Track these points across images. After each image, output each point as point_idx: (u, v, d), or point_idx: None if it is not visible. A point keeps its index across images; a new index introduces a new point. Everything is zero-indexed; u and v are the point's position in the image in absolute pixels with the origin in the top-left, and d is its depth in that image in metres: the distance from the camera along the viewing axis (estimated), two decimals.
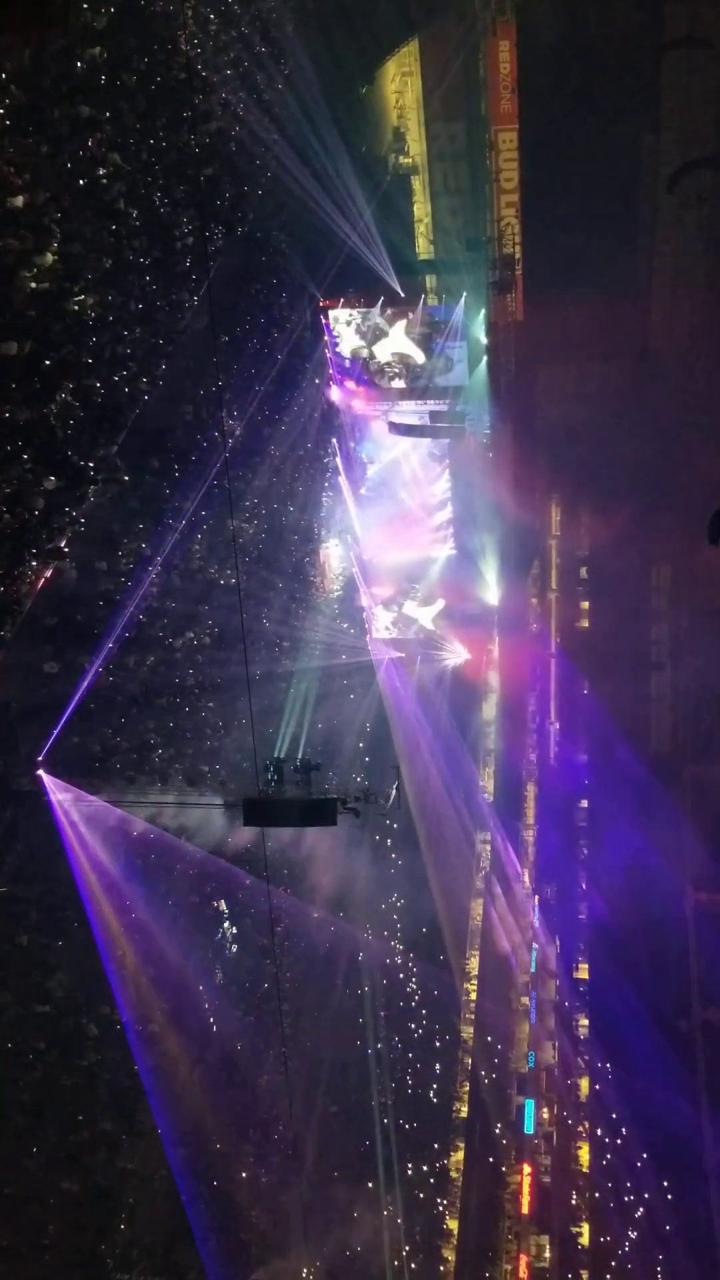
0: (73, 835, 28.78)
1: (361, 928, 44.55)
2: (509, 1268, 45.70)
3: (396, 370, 39.91)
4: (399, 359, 39.62)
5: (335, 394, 41.43)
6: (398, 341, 39.22)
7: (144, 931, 32.01)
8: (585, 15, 47.84)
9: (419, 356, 39.49)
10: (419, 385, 40.41)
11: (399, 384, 40.29)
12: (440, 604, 47.96)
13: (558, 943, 54.76)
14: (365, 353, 39.63)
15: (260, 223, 33.73)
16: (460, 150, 45.29)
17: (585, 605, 59.87)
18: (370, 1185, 40.88)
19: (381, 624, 47.75)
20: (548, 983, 53.88)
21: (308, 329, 39.06)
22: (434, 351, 39.59)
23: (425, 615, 48.27)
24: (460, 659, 50.95)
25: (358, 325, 39.11)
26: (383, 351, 39.68)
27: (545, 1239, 46.63)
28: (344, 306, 38.63)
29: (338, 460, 43.35)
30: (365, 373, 40.35)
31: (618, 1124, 49.71)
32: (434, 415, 41.62)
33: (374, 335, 39.35)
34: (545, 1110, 50.03)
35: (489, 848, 53.39)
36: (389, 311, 38.62)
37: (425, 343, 39.49)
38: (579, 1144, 49.58)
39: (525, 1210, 46.99)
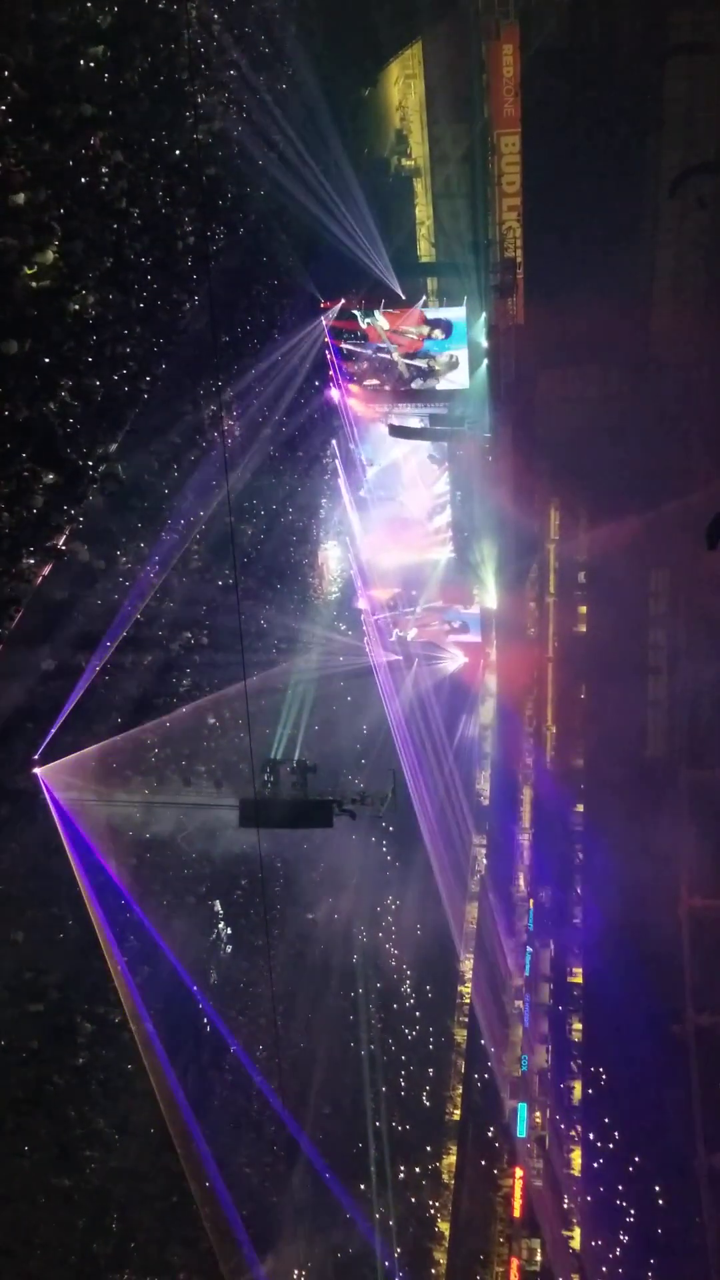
0: (68, 834, 28.79)
1: (356, 929, 44.54)
2: (500, 1270, 45.70)
3: (421, 366, 39.93)
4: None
5: (335, 395, 41.45)
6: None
7: (138, 931, 32.02)
8: (589, 20, 47.91)
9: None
10: (426, 383, 40.48)
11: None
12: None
13: (552, 946, 54.77)
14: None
15: (262, 223, 33.76)
16: (462, 153, 45.32)
17: (583, 610, 59.90)
18: (362, 1187, 40.86)
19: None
20: (542, 986, 53.92)
21: (308, 331, 39.07)
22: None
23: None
24: (458, 662, 51.00)
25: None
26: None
27: (536, 1243, 46.62)
28: (344, 308, 38.65)
29: (337, 462, 43.37)
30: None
31: (610, 1128, 49.74)
32: (434, 418, 41.63)
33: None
34: (538, 1114, 50.05)
35: (485, 851, 53.38)
36: (390, 313, 38.65)
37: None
38: (571, 1148, 49.58)
39: (517, 1214, 46.98)
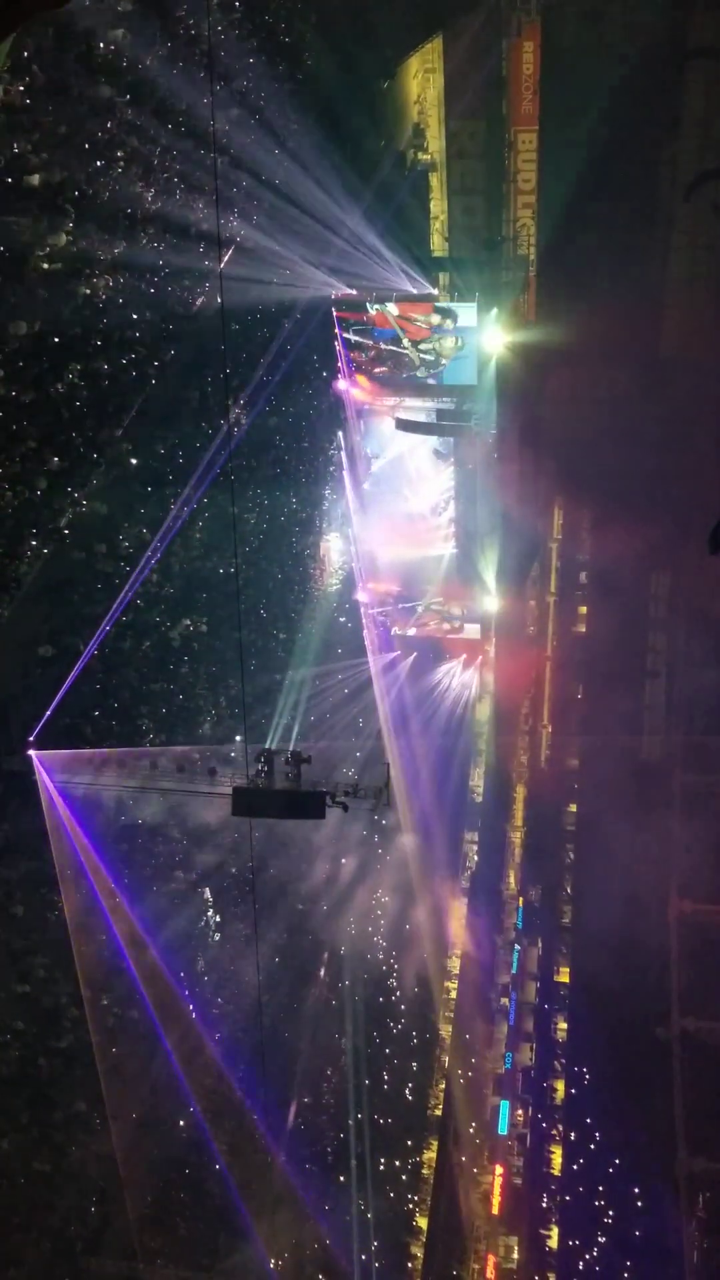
0: (60, 817, 28.81)
1: (345, 921, 44.60)
2: (476, 1267, 45.82)
3: (429, 356, 39.96)
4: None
5: (343, 386, 41.39)
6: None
7: (127, 916, 32.05)
8: (610, 20, 47.68)
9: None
10: (434, 373, 40.50)
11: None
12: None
13: (540, 945, 54.80)
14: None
15: (275, 212, 33.70)
16: (479, 149, 45.18)
17: (583, 610, 59.74)
18: (342, 1179, 40.95)
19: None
20: (528, 985, 53.94)
21: (318, 320, 39.01)
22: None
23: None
24: (456, 659, 50.99)
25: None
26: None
27: (514, 1240, 46.75)
28: (355, 298, 38.61)
29: (342, 454, 43.32)
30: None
31: (591, 1129, 49.82)
32: (441, 413, 41.60)
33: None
34: (520, 1112, 50.13)
35: (476, 847, 53.42)
36: (401, 303, 38.65)
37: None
38: (552, 1147, 49.67)
39: (495, 1211, 47.10)
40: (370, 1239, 40.55)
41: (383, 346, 39.93)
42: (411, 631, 48.95)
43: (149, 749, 32.11)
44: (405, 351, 39.89)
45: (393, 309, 38.68)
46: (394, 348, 39.85)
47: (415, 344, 39.71)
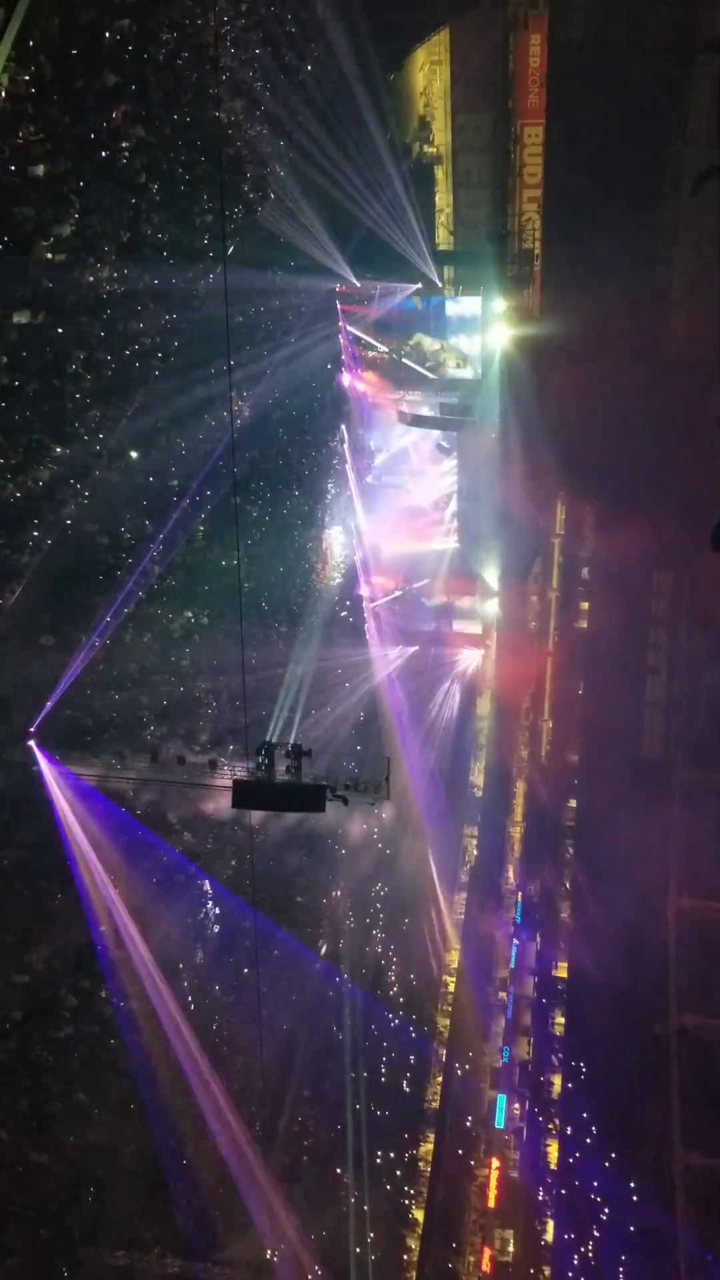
0: (61, 807, 28.84)
1: (344, 914, 44.61)
2: (472, 1260, 45.86)
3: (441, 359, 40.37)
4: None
5: (347, 380, 41.35)
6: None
7: (127, 907, 32.08)
8: (617, 14, 47.56)
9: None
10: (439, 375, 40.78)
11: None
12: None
13: (539, 940, 54.80)
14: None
15: (280, 204, 33.65)
16: (485, 142, 45.07)
17: (585, 606, 59.66)
18: (339, 1171, 41.01)
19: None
20: (526, 979, 53.93)
21: (323, 313, 38.96)
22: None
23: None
24: (457, 653, 50.95)
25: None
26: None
27: (510, 1233, 46.76)
28: (360, 292, 38.64)
29: (345, 447, 43.26)
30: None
31: (588, 1123, 49.84)
32: (444, 407, 41.58)
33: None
34: (517, 1106, 50.12)
35: (475, 842, 53.41)
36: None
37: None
38: (548, 1141, 49.70)
39: (491, 1204, 47.14)
40: (366, 1231, 40.62)
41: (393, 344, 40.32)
42: (413, 626, 48.91)
43: (149, 740, 32.16)
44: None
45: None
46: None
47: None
